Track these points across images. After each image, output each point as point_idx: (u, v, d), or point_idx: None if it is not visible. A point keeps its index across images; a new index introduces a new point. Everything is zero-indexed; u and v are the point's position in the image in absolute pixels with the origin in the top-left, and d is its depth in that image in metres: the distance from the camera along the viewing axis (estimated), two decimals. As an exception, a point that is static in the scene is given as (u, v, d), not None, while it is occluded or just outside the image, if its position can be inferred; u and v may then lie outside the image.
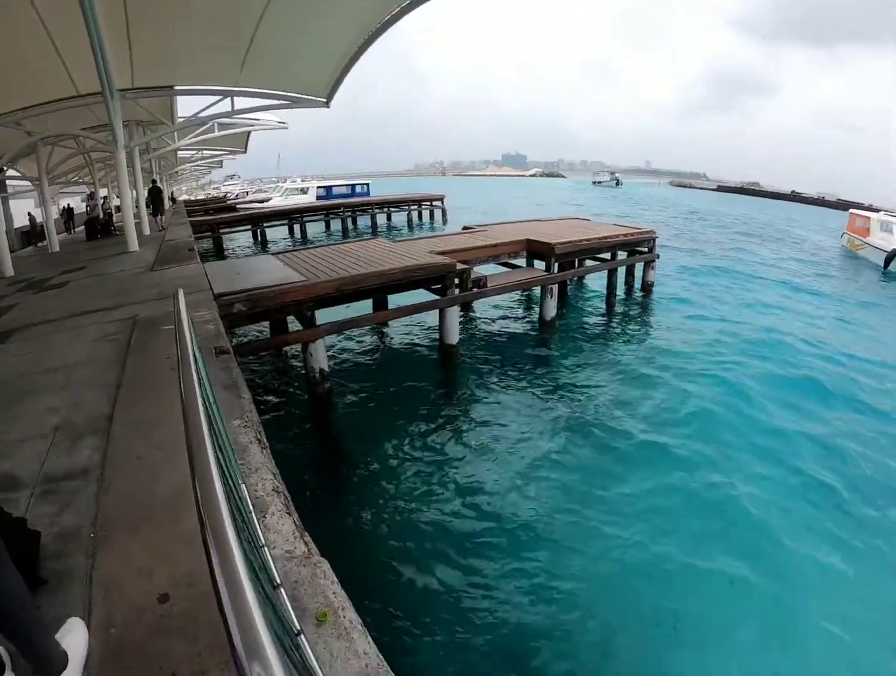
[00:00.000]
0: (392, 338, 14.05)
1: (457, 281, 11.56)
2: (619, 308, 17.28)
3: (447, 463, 8.51)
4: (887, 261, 32.07)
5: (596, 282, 18.52)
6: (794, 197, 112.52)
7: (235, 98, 15.15)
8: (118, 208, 21.15)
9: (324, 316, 10.20)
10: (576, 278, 18.71)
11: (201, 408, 1.65)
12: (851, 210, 44.22)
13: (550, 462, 8.69)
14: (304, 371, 10.49)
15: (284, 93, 15.24)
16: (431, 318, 13.37)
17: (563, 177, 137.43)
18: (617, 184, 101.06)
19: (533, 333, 14.54)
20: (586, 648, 5.73)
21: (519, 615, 5.98)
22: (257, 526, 2.85)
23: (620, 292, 18.03)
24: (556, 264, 14.19)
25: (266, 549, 2.66)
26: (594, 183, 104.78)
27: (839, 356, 14.71)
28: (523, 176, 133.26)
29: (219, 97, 15.21)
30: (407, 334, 14.19)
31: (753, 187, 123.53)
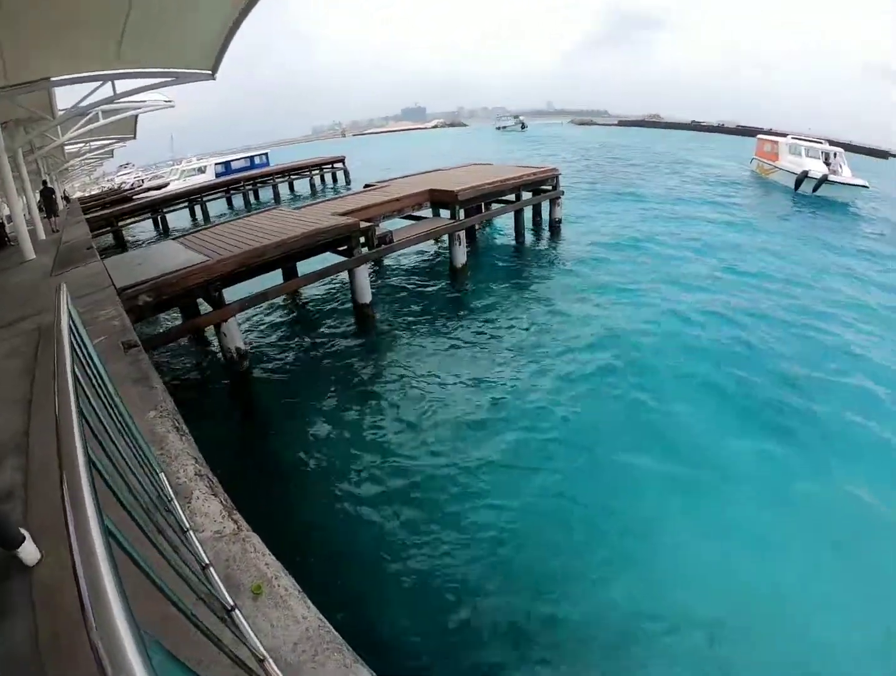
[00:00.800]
0: (307, 306, 13.85)
1: (362, 240, 11.45)
2: (528, 247, 17.61)
3: (371, 425, 8.52)
4: (797, 183, 33.26)
5: (505, 224, 18.68)
6: (695, 126, 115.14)
7: (117, 82, 14.33)
8: (9, 218, 20.02)
9: (236, 293, 9.89)
10: (484, 223, 18.84)
11: (73, 406, 1.58)
12: (759, 136, 45.46)
13: (473, 409, 8.80)
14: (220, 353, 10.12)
15: (167, 70, 14.55)
16: (344, 280, 13.25)
17: (465, 126, 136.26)
18: (522, 127, 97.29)
19: (446, 281, 14.56)
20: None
21: (464, 550, 6.18)
22: (181, 512, 2.85)
23: (530, 231, 18.36)
24: (462, 211, 14.16)
25: (192, 532, 2.66)
26: (498, 129, 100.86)
27: (748, 272, 15.63)
28: (424, 128, 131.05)
29: (99, 83, 14.39)
30: (322, 299, 14.02)
31: (654, 120, 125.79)
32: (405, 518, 6.57)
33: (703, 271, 15.56)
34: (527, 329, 11.62)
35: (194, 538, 2.53)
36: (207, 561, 2.33)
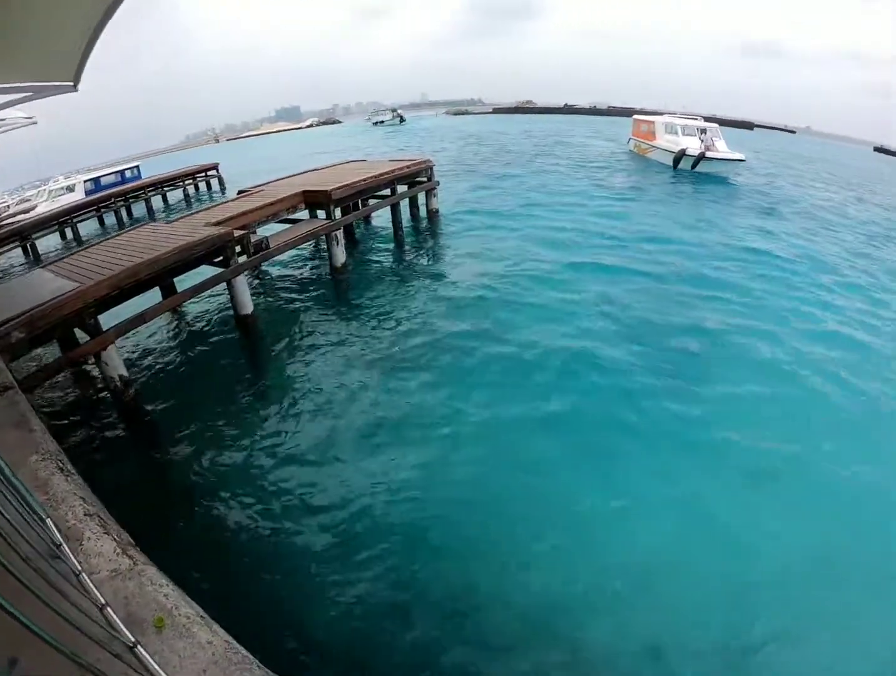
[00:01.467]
0: (190, 322, 13.36)
1: (238, 249, 11.29)
2: (408, 240, 17.85)
3: (264, 437, 8.51)
4: (675, 161, 34.46)
5: (384, 219, 18.79)
6: (568, 109, 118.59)
7: (-31, 101, 13.51)
8: None
9: (118, 316, 9.43)
10: (362, 220, 18.94)
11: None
12: (635, 116, 46.42)
13: (366, 409, 9.00)
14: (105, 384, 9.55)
15: (24, 84, 13.77)
16: (225, 292, 12.87)
17: (340, 122, 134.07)
18: (401, 121, 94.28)
19: (327, 283, 14.57)
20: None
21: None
22: (71, 556, 2.88)
23: (408, 224, 18.65)
24: (338, 210, 14.26)
25: (85, 575, 2.70)
26: (375, 123, 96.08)
27: (630, 242, 17.16)
28: (300, 128, 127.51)
29: (-61, 104, 13.54)
30: (204, 313, 13.62)
31: (528, 105, 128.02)
32: (308, 528, 6.68)
33: (580, 246, 16.73)
34: (410, 322, 11.91)
35: (88, 580, 2.59)
36: (104, 602, 2.40)
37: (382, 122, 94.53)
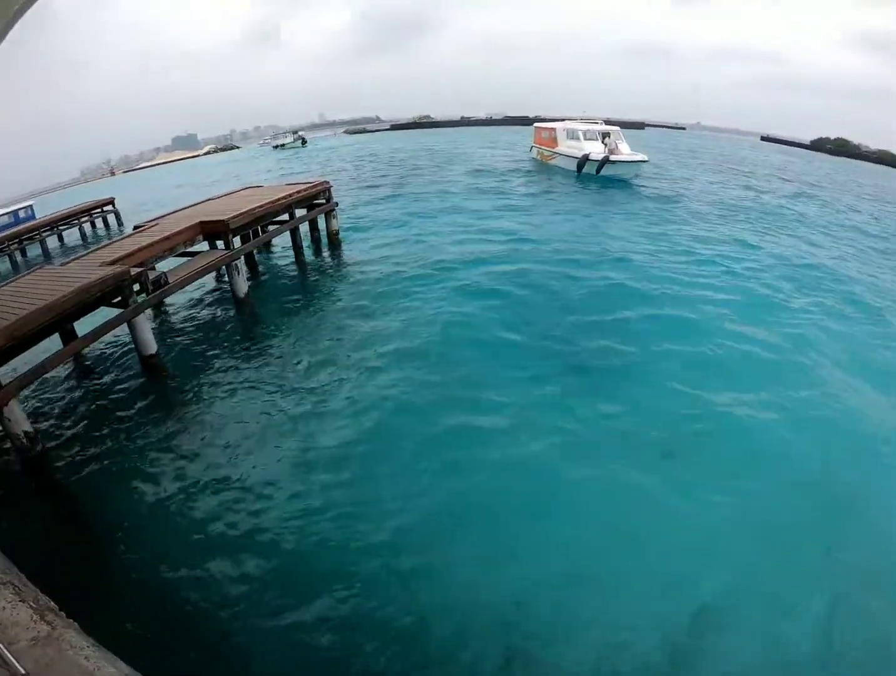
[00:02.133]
0: (95, 367, 12.60)
1: (136, 287, 10.94)
2: (310, 264, 17.88)
3: (177, 480, 8.26)
4: (579, 167, 34.67)
5: (285, 245, 18.80)
6: (465, 122, 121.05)
7: None
8: None
9: (15, 371, 8.94)
10: (262, 247, 18.80)
11: None
12: (536, 124, 46.93)
13: (279, 443, 8.92)
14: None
15: None
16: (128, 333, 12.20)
17: (238, 148, 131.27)
18: (303, 143, 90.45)
19: (232, 315, 14.24)
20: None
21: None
22: None
23: (310, 248, 18.75)
24: (236, 239, 14.15)
25: (2, 646, 2.63)
26: (276, 147, 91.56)
27: (534, 252, 17.78)
28: (197, 156, 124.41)
29: None
30: (108, 357, 12.86)
31: (426, 120, 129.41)
32: (230, 568, 6.64)
33: (487, 255, 17.35)
34: (317, 350, 11.92)
35: (6, 651, 2.54)
36: (24, 672, 2.38)
37: (284, 145, 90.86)
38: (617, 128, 37.98)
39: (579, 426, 8.95)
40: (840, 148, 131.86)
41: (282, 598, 6.14)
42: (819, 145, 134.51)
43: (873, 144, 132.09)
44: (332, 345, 12.03)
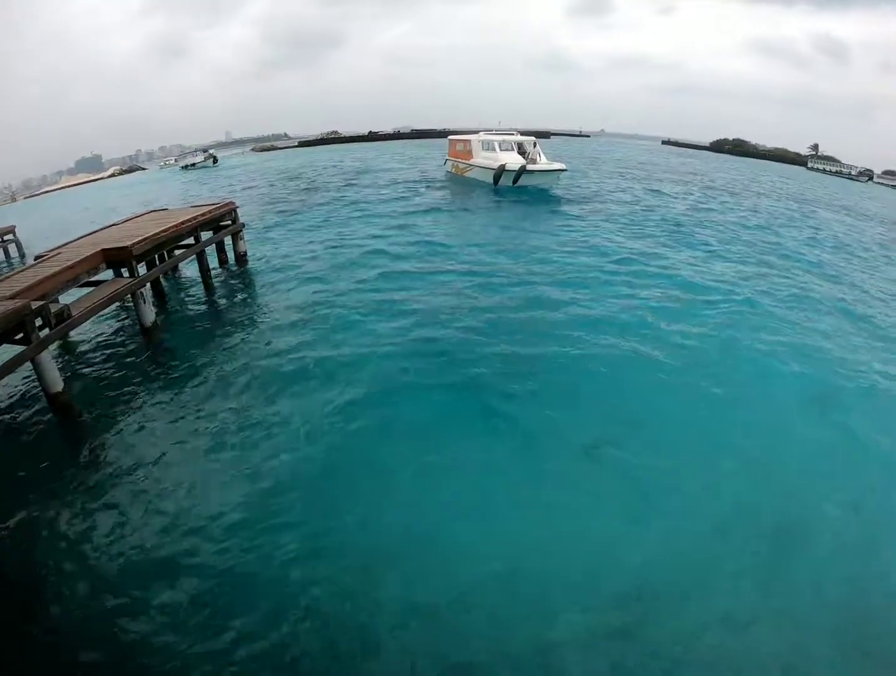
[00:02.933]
0: (3, 412, 11.47)
1: (39, 322, 10.32)
2: (219, 288, 17.60)
3: (92, 528, 7.76)
4: (496, 178, 33.99)
5: (192, 270, 18.44)
6: (373, 136, 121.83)
7: None
8: None
9: None
10: (169, 273, 18.44)
11: None
12: (450, 137, 46.53)
13: (195, 484, 8.49)
14: None
15: None
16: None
17: (144, 169, 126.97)
18: (214, 162, 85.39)
19: (140, 346, 13.58)
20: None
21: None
22: None
23: (218, 271, 18.47)
24: (141, 266, 13.94)
25: None
26: (185, 167, 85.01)
27: (453, 272, 17.75)
28: (101, 178, 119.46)
29: None
30: (14, 397, 11.84)
31: (334, 136, 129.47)
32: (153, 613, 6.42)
33: (401, 271, 17.66)
34: (231, 377, 11.61)
35: None
36: None
37: (194, 165, 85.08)
38: (532, 138, 38.21)
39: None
40: (738, 148, 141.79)
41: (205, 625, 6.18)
42: (718, 146, 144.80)
43: (769, 142, 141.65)
44: (243, 369, 11.85)
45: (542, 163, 34.80)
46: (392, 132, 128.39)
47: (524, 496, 7.95)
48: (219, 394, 10.93)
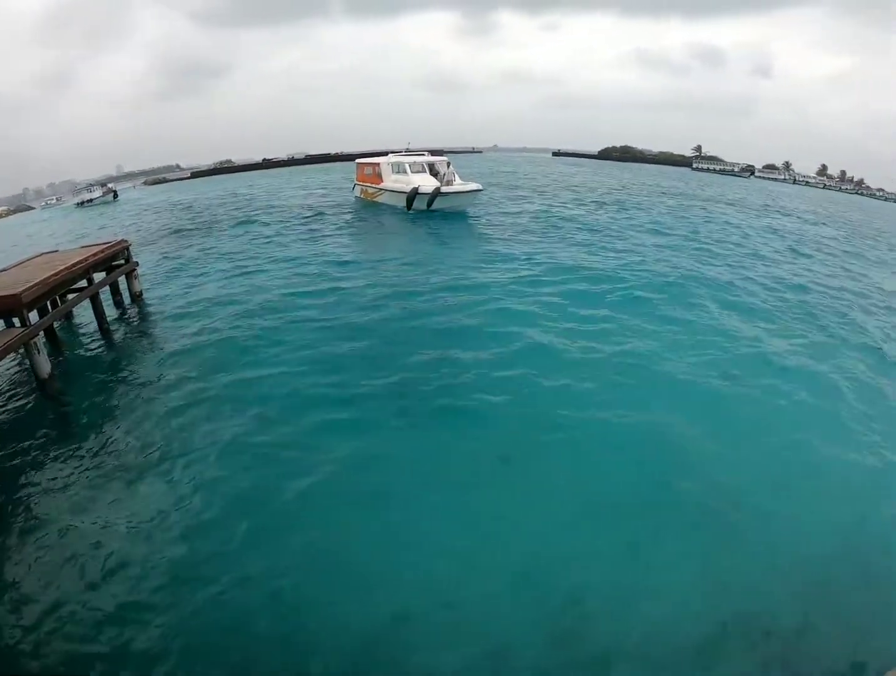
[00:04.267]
0: None
1: None
2: (116, 331, 16.72)
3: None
4: (409, 202, 32.72)
5: (88, 313, 17.17)
6: (267, 164, 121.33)
7: None
8: None
9: None
10: (63, 319, 17.44)
11: None
12: (358, 160, 44.50)
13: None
14: None
15: None
16: None
17: (33, 208, 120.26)
18: (115, 197, 78.56)
19: (37, 400, 12.52)
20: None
21: None
22: None
23: (114, 313, 17.75)
24: (33, 313, 13.09)
25: None
26: (81, 204, 76.98)
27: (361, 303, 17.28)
28: None
29: None
30: None
31: (227, 166, 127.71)
32: None
33: (308, 305, 17.13)
34: (134, 429, 10.82)
35: None
36: None
37: (91, 201, 77.19)
38: (445, 158, 37.73)
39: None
40: (626, 154, 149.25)
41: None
42: (607, 154, 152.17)
43: (655, 147, 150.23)
44: (145, 417, 11.20)
45: (457, 184, 33.96)
46: (286, 158, 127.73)
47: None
48: (117, 447, 10.27)
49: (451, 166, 35.61)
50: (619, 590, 6.85)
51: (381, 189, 37.72)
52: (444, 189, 32.12)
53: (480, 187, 33.52)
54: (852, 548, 7.74)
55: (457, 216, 32.53)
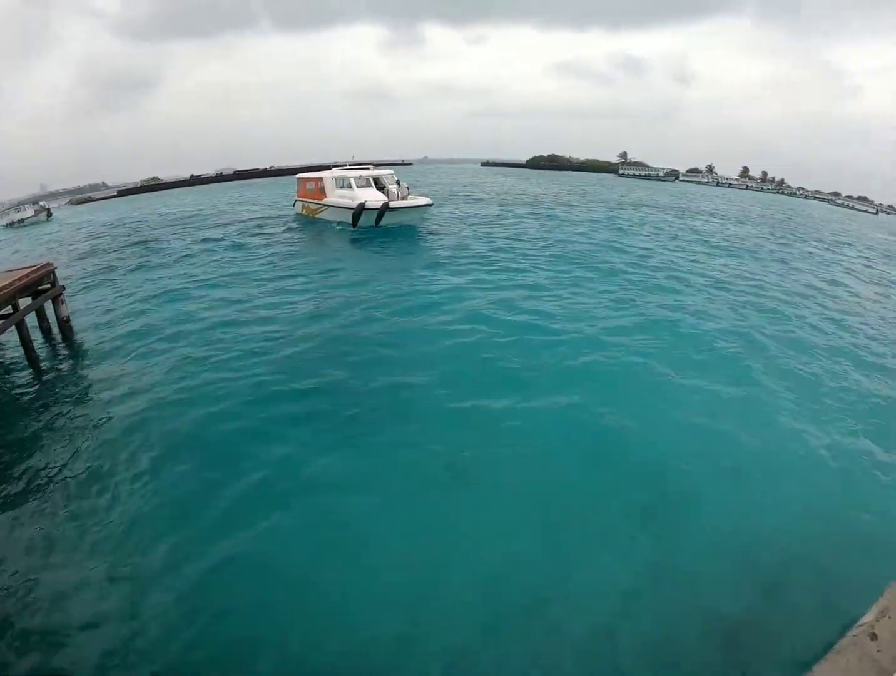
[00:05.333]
0: None
1: None
2: (45, 361, 15.66)
3: None
4: (355, 218, 31.11)
5: (14, 342, 16.02)
6: (195, 180, 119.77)
7: None
8: None
9: None
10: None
11: None
12: (299, 175, 42.52)
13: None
14: None
15: None
16: None
17: None
18: (49, 216, 73.71)
19: None
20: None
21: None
22: None
23: (42, 340, 16.76)
24: None
25: None
26: (10, 225, 70.75)
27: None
28: None
29: None
30: None
31: (155, 183, 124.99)
32: None
33: (248, 335, 16.16)
34: (65, 459, 10.31)
35: None
36: None
37: (22, 221, 71.50)
38: (391, 171, 36.59)
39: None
40: (553, 162, 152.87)
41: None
42: (535, 163, 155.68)
43: (582, 154, 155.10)
44: (81, 452, 10.58)
45: (408, 199, 32.96)
46: (215, 175, 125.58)
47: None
48: (54, 483, 9.71)
49: (402, 182, 34.48)
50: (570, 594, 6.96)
51: (324, 205, 36.38)
52: (393, 204, 30.97)
53: (430, 202, 32.52)
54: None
55: (402, 231, 31.51)
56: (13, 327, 14.77)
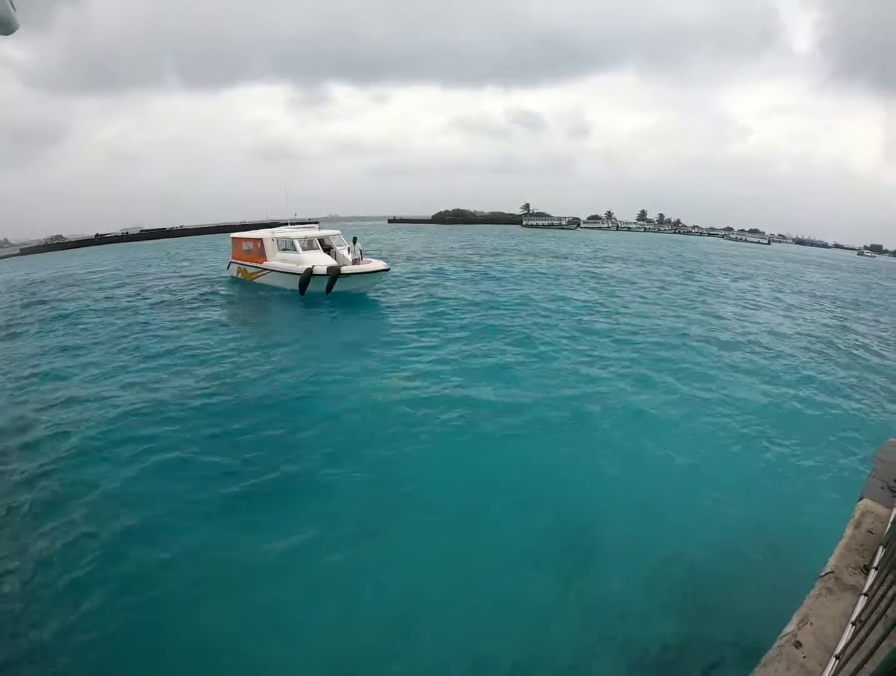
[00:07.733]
0: None
1: None
2: None
3: None
4: (302, 285, 27.47)
5: None
6: (100, 239, 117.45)
7: None
8: None
9: None
10: None
11: None
12: (232, 235, 37.70)
13: None
14: None
15: None
16: None
17: None
18: None
19: None
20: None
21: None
22: None
23: None
24: None
25: None
26: None
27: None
28: None
29: None
30: None
31: (58, 242, 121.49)
32: None
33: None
34: None
35: None
36: None
37: None
38: (338, 232, 32.59)
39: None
40: (459, 217, 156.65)
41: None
42: (441, 218, 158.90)
43: (486, 208, 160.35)
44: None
45: (361, 263, 28.97)
46: (121, 234, 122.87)
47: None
48: None
49: (357, 242, 30.16)
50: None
51: (264, 269, 32.31)
52: (346, 270, 27.43)
53: (387, 267, 28.58)
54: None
55: (352, 298, 28.16)
56: None
